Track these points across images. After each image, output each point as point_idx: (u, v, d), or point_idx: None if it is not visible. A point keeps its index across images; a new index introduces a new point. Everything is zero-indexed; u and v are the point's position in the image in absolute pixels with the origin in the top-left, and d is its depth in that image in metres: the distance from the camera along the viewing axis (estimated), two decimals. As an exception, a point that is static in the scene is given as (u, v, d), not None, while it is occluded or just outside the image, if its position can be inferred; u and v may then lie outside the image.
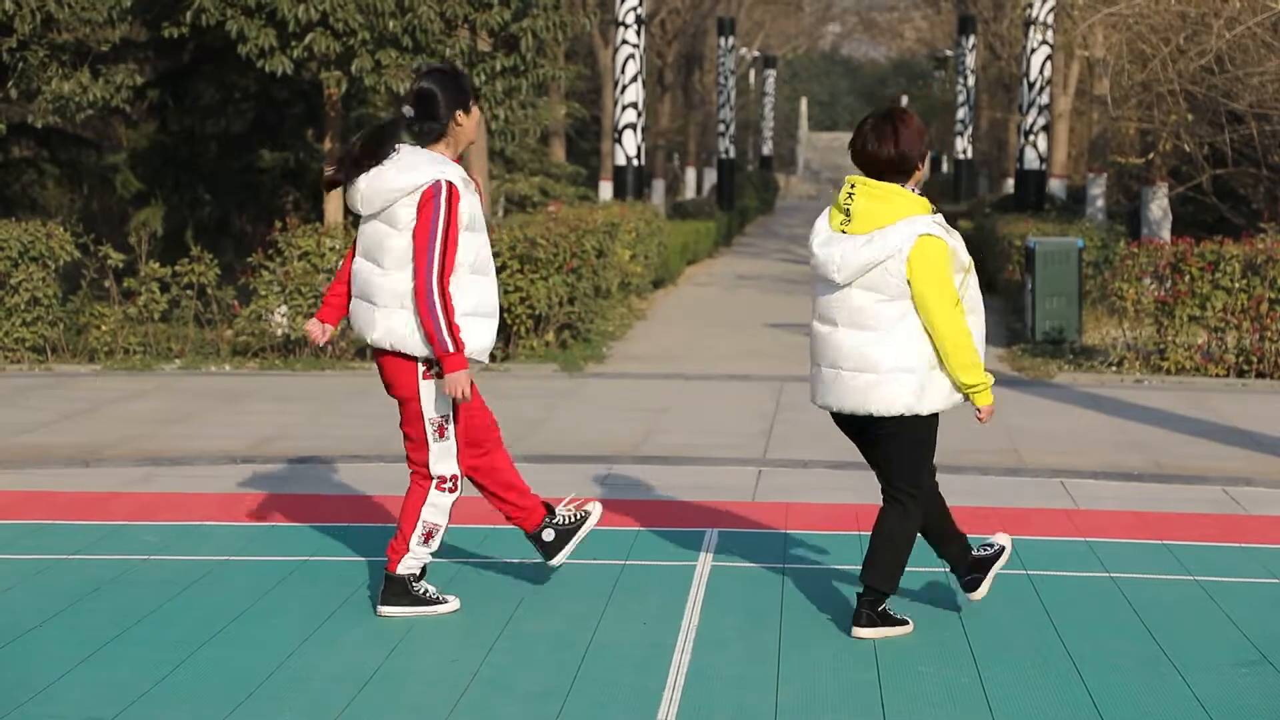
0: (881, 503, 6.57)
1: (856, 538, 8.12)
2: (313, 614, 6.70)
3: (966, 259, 6.40)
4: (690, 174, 45.52)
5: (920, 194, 6.45)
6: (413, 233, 6.50)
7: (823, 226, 6.47)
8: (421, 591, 6.75)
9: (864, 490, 8.91)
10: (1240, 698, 5.78)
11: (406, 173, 6.49)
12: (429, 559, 6.79)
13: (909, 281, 6.27)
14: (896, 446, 6.44)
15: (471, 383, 6.53)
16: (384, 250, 6.58)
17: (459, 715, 5.53)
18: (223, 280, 15.88)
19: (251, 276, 15.41)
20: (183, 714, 5.51)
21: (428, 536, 6.70)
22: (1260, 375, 14.58)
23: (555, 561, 6.98)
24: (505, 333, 15.42)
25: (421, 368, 6.58)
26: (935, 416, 6.46)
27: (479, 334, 6.59)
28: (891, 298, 6.30)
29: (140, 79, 19.42)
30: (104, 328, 15.21)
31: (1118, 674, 6.01)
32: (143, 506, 8.80)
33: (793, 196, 66.01)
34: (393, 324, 6.56)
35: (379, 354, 6.69)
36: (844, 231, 6.36)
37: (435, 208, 6.45)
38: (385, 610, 6.71)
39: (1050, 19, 24.51)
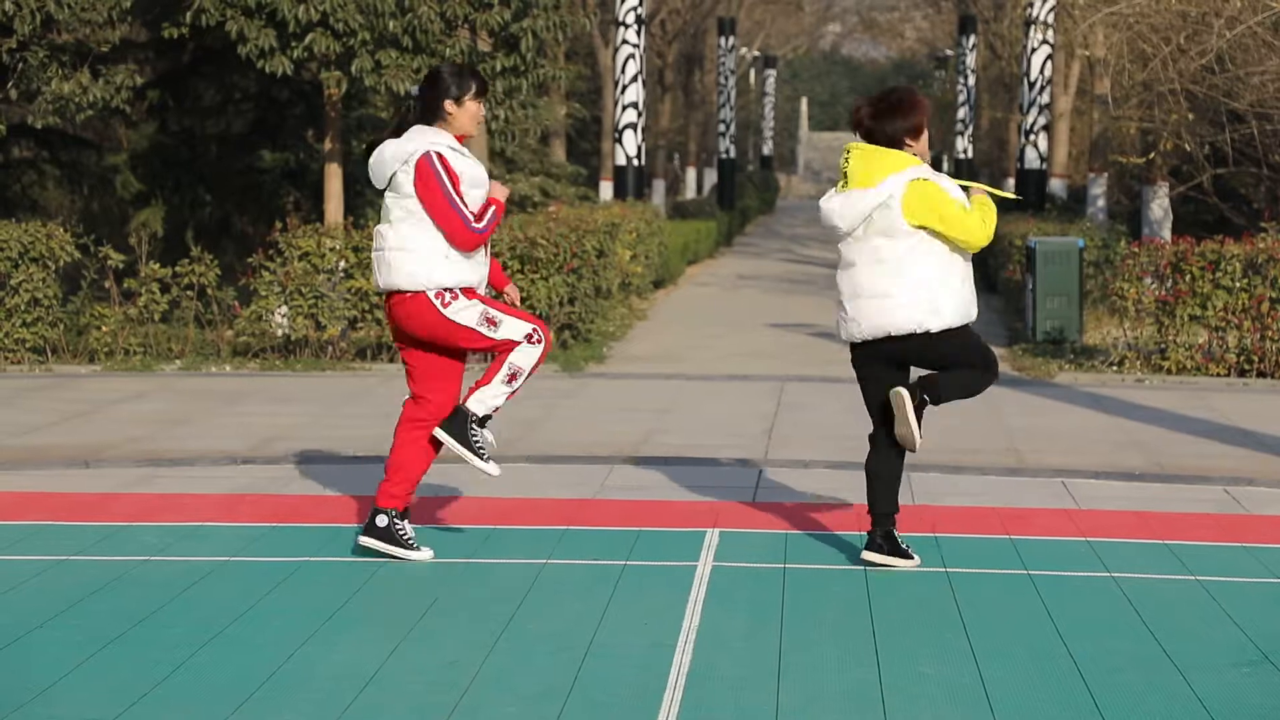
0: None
1: (858, 538, 8.12)
2: (313, 615, 6.69)
3: (960, 196, 7.37)
4: (691, 174, 45.52)
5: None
6: (423, 200, 7.35)
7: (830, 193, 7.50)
8: (475, 441, 7.47)
9: (865, 490, 8.88)
10: (1241, 698, 5.77)
11: (401, 145, 7.38)
12: (501, 403, 7.52)
13: (916, 223, 7.26)
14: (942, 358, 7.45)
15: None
16: (390, 210, 7.48)
17: (460, 716, 5.53)
18: (223, 281, 15.88)
19: (252, 277, 15.41)
20: (183, 716, 5.51)
21: (511, 377, 7.47)
22: (1261, 375, 14.57)
23: (363, 541, 7.62)
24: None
25: (435, 301, 7.38)
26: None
27: (467, 269, 7.44)
28: (899, 237, 7.27)
29: (140, 80, 19.42)
30: (104, 329, 15.20)
31: (1119, 674, 6.00)
32: (143, 507, 8.80)
33: (793, 196, 66.01)
34: (397, 263, 7.38)
35: (395, 308, 7.45)
36: (840, 190, 7.39)
37: (432, 174, 7.33)
38: (440, 434, 7.48)
39: (1051, 18, 24.52)
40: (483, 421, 7.54)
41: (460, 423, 7.49)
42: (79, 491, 9.27)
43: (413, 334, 7.52)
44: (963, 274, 7.38)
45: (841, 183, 7.41)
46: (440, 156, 7.35)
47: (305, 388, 13.75)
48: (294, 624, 6.56)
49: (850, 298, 7.38)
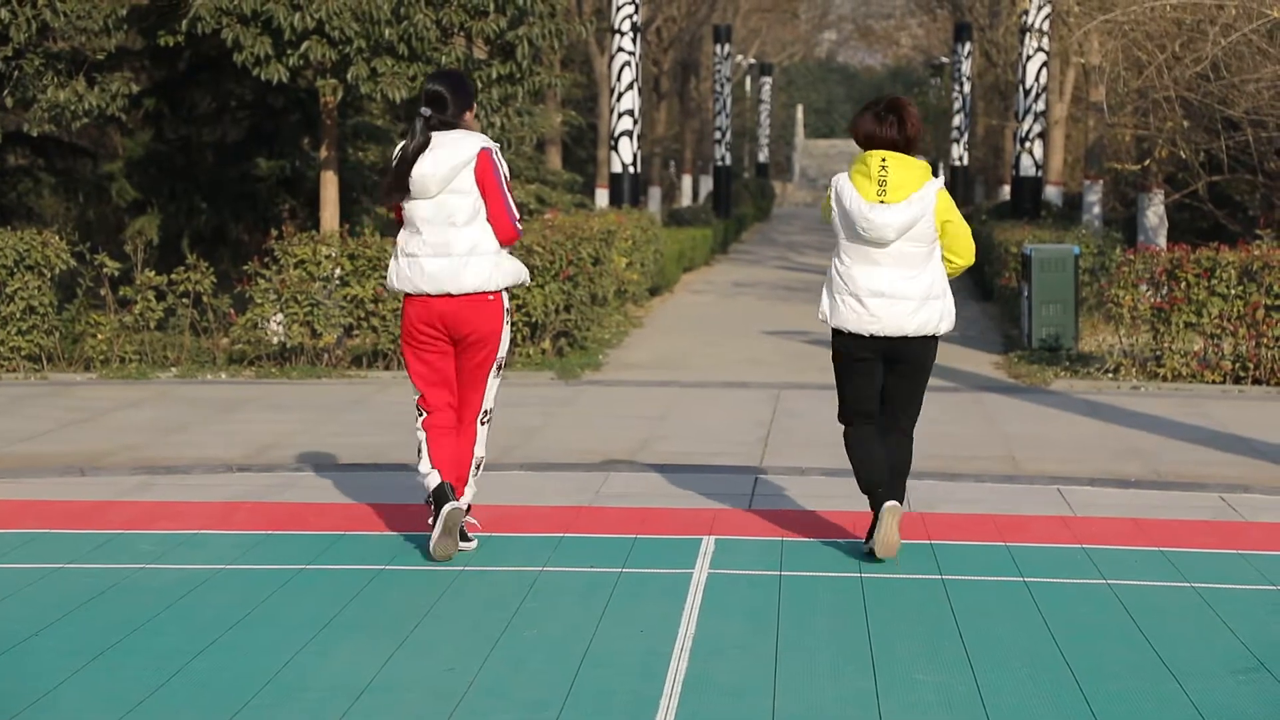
0: (889, 438, 7.82)
1: (853, 544, 8.12)
2: (309, 623, 6.69)
3: None
4: (686, 181, 45.49)
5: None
6: (483, 189, 7.73)
7: (855, 194, 7.62)
8: (465, 530, 7.93)
9: (860, 497, 8.89)
10: (1237, 705, 5.77)
11: (459, 149, 7.68)
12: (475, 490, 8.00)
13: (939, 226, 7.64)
14: (923, 371, 7.76)
15: None
16: (457, 211, 7.73)
17: (455, 724, 5.53)
18: (219, 288, 15.87)
19: (248, 285, 15.40)
20: (178, 723, 5.51)
21: (477, 465, 7.93)
22: (1257, 382, 14.58)
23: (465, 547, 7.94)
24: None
25: (506, 308, 7.79)
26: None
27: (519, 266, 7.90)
28: (927, 244, 7.63)
29: (136, 87, 19.40)
30: (100, 336, 15.19)
31: (1114, 681, 6.01)
32: (138, 515, 8.79)
33: (789, 204, 66.02)
34: (464, 268, 7.68)
35: (459, 305, 7.71)
36: (882, 201, 7.54)
37: (494, 169, 7.71)
38: (466, 546, 7.90)
39: (1046, 26, 24.52)
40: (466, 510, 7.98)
41: (459, 514, 7.77)
42: (75, 499, 9.26)
43: (465, 336, 7.79)
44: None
45: (877, 190, 7.58)
46: (498, 153, 7.79)
47: (301, 395, 13.75)
48: (290, 632, 6.56)
49: (871, 295, 7.61)
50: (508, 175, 7.82)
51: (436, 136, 7.74)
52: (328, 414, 12.68)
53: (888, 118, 7.64)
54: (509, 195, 7.79)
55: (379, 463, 10.39)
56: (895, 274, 7.60)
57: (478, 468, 7.95)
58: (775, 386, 14.43)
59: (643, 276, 21.87)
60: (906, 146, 7.65)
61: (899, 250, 7.61)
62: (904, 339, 7.64)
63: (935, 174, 7.91)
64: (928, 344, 7.72)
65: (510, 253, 7.90)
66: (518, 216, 7.85)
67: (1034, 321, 16.78)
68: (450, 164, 7.67)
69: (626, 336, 18.65)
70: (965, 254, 7.76)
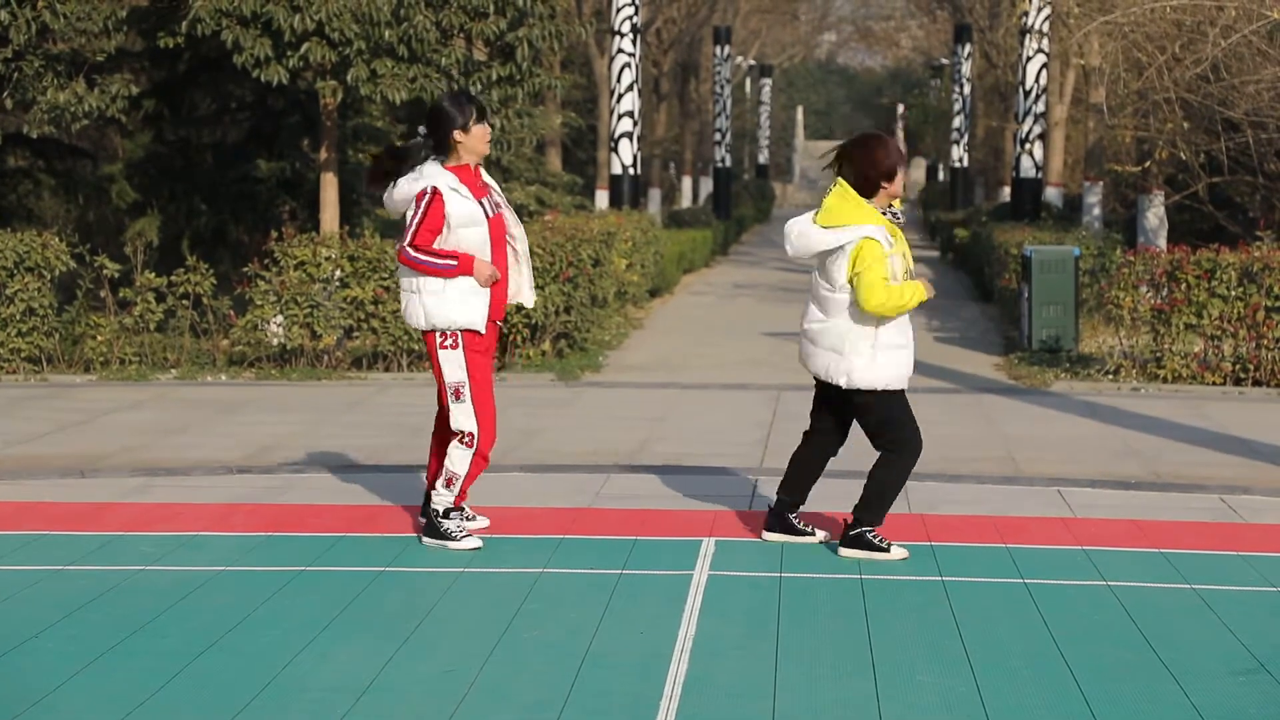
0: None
1: (853, 546, 8.12)
2: (309, 624, 6.69)
3: (894, 267, 7.67)
4: (686, 183, 45.50)
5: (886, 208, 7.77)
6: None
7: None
8: (444, 529, 8.06)
9: (856, 498, 8.88)
10: (1237, 706, 5.77)
11: (410, 184, 7.93)
12: (450, 502, 8.10)
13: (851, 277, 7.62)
14: (860, 414, 7.89)
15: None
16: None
17: (455, 725, 5.53)
18: (219, 290, 15.88)
19: (248, 286, 15.41)
20: (179, 725, 5.51)
21: (448, 482, 8.06)
22: (1257, 383, 14.58)
23: (425, 541, 8.16)
24: (502, 342, 15.41)
25: (438, 339, 7.94)
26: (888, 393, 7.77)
27: (477, 307, 7.92)
28: (836, 289, 7.69)
29: (136, 89, 19.40)
30: (100, 338, 15.19)
31: (1114, 682, 6.01)
32: (138, 517, 8.79)
33: (789, 205, 66.02)
34: (406, 303, 8.03)
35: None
36: (814, 222, 7.73)
37: (418, 204, 7.86)
38: (426, 541, 8.12)
39: (1046, 27, 24.53)
40: (447, 513, 8.17)
41: (430, 526, 8.15)
42: (75, 501, 9.26)
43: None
44: (888, 341, 7.71)
45: (817, 211, 7.78)
46: (436, 193, 7.85)
47: (301, 397, 13.75)
48: (290, 633, 6.56)
49: (801, 325, 8.00)
50: (437, 214, 7.81)
51: (421, 167, 7.96)
52: (328, 416, 12.68)
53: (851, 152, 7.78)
54: (416, 228, 7.82)
55: (379, 464, 10.39)
56: (813, 311, 7.86)
57: (448, 484, 8.08)
58: (775, 388, 14.43)
59: (642, 278, 21.88)
60: (853, 181, 7.69)
61: (815, 288, 7.82)
62: (816, 378, 7.92)
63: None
64: (844, 394, 7.84)
65: (462, 293, 7.90)
66: (416, 249, 7.83)
67: (1034, 323, 16.78)
68: (400, 197, 7.96)
69: (626, 338, 18.65)
70: (866, 297, 7.59)
